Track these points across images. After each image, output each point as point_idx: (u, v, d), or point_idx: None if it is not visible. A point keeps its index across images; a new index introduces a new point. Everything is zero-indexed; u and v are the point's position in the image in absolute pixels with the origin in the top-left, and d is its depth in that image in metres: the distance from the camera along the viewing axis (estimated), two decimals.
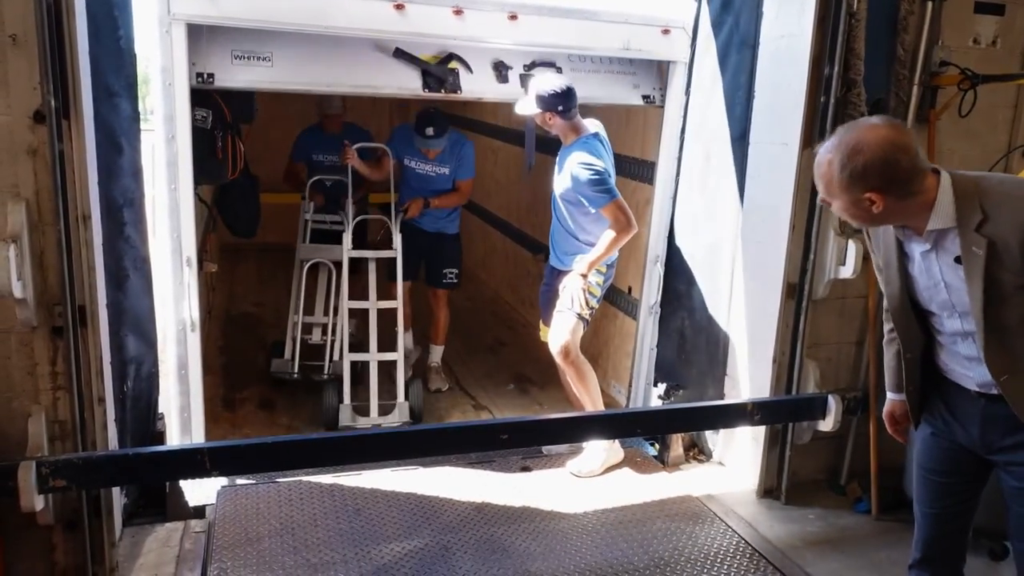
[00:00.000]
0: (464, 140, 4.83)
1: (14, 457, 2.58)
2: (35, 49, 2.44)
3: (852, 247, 3.33)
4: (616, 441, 3.87)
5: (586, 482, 3.75)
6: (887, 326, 2.39)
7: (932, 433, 2.30)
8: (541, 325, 4.14)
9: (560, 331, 3.74)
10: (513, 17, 3.65)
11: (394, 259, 4.60)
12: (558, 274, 3.88)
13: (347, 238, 4.53)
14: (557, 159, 3.79)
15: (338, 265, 4.71)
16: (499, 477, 3.75)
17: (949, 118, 3.46)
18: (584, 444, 3.90)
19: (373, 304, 4.49)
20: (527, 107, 3.66)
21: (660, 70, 4.13)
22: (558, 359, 3.79)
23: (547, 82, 3.63)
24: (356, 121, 5.46)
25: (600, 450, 3.82)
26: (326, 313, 4.93)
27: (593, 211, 3.65)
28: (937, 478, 2.31)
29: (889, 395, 2.49)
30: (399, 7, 3.47)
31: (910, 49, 3.37)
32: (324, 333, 4.90)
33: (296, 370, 4.70)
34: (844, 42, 3.21)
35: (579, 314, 3.71)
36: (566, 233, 3.83)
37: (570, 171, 3.62)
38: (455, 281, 4.97)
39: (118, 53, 2.92)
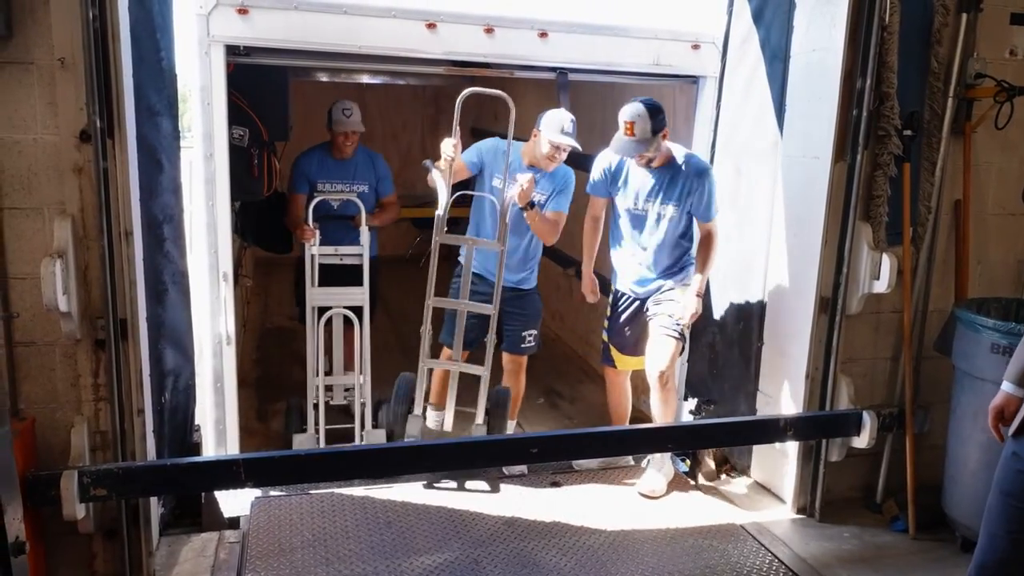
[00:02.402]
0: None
1: (57, 466, 2.66)
2: (82, 71, 2.54)
3: (887, 261, 3.29)
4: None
5: (617, 498, 3.73)
6: None
7: (1015, 453, 2.19)
8: (620, 355, 3.99)
9: (666, 356, 3.67)
10: (543, 35, 3.70)
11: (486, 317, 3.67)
12: (634, 301, 3.85)
13: (430, 287, 3.49)
14: (650, 178, 3.64)
15: (357, 311, 4.08)
16: (529, 492, 3.75)
17: (985, 130, 3.42)
18: (642, 464, 3.93)
19: (456, 366, 3.67)
20: (646, 130, 3.38)
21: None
22: (655, 382, 3.69)
23: (640, 101, 3.43)
24: (385, 138, 5.07)
25: (662, 464, 3.81)
26: (347, 370, 4.33)
27: (702, 221, 3.64)
28: (1018, 504, 2.21)
29: (1011, 388, 2.33)
30: (431, 26, 3.54)
31: (944, 61, 3.35)
32: (347, 390, 4.39)
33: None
34: (876, 55, 3.20)
35: (680, 334, 3.69)
36: (659, 257, 3.74)
37: (692, 184, 3.58)
38: (534, 344, 4.03)
39: (159, 73, 3.01)
